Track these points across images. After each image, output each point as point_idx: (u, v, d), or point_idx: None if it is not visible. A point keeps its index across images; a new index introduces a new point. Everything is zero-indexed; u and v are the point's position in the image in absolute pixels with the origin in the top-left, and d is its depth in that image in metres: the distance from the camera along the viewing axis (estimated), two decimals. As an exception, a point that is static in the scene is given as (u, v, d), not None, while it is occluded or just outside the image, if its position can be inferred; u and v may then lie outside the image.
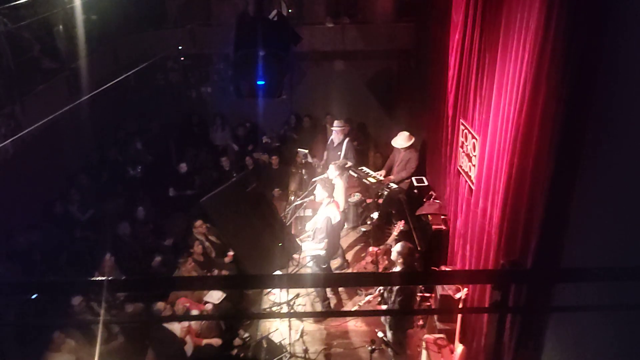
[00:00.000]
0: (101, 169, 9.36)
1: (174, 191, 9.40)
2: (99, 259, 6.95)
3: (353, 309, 6.84)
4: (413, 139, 8.24)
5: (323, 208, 6.75)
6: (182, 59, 10.54)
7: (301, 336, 6.54)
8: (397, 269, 5.66)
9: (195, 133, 11.16)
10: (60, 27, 7.35)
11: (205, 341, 6.39)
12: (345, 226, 8.58)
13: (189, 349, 6.17)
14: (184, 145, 10.57)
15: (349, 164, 8.55)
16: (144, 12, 9.92)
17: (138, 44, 9.85)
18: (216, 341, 6.43)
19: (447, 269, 6.16)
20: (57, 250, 7.33)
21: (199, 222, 7.69)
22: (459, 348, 5.60)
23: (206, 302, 6.79)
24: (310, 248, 6.66)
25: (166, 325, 6.15)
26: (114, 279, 4.72)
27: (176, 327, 6.16)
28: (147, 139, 10.51)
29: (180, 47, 10.11)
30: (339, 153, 8.74)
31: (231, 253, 7.59)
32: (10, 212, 6.97)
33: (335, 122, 8.90)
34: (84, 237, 7.80)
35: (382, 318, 5.90)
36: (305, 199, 7.74)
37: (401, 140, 8.23)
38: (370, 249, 7.60)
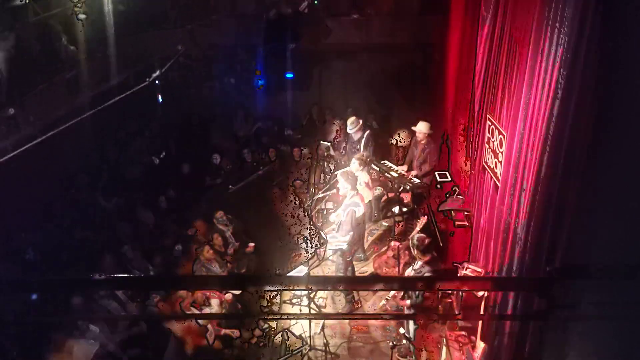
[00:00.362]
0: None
1: (209, 180, 9.41)
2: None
3: (381, 304, 6.72)
4: (432, 131, 8.18)
5: (347, 200, 6.72)
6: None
7: (322, 329, 6.53)
8: (419, 264, 5.62)
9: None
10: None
11: (224, 331, 6.45)
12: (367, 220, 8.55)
13: (210, 336, 6.23)
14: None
15: (371, 156, 8.50)
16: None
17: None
18: (235, 332, 6.48)
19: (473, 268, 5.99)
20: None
21: (219, 213, 7.75)
22: (481, 346, 5.55)
23: (227, 292, 6.84)
24: (336, 241, 6.65)
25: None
26: (119, 276, 4.78)
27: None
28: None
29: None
30: (358, 147, 8.68)
31: (252, 244, 7.63)
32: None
33: (349, 125, 8.64)
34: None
35: (405, 311, 5.85)
36: (327, 192, 7.72)
37: (421, 126, 8.16)
38: (392, 243, 7.57)
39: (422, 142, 8.21)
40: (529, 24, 4.87)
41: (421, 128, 8.14)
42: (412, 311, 5.64)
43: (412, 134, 8.48)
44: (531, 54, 4.77)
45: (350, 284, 4.53)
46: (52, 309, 5.64)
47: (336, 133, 10.25)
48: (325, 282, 3.02)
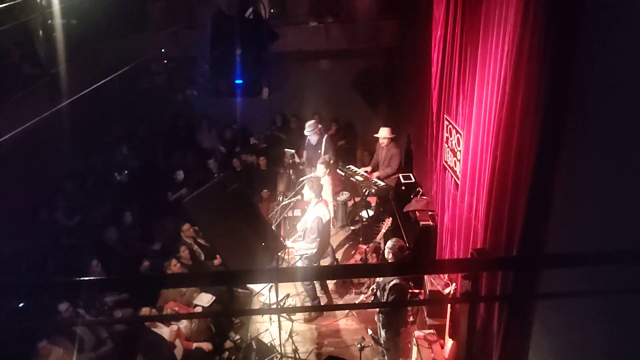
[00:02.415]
0: (87, 175, 9.27)
1: (172, 195, 9.28)
2: (86, 266, 6.88)
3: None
4: (393, 135, 8.39)
5: (312, 208, 6.71)
6: (165, 62, 10.47)
7: (290, 336, 6.49)
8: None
9: (182, 136, 11.12)
10: (40, 32, 7.24)
11: (195, 345, 6.35)
12: (334, 225, 8.58)
13: (178, 352, 6.12)
14: (170, 148, 10.51)
15: (334, 159, 8.59)
16: (125, 15, 9.80)
17: (120, 47, 9.76)
18: (206, 345, 6.39)
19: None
20: (43, 258, 7.24)
21: (186, 226, 7.64)
22: (449, 343, 5.61)
23: (196, 306, 6.75)
24: (302, 248, 6.64)
25: (155, 329, 6.09)
26: (102, 278, 4.67)
27: (165, 331, 6.11)
28: (134, 143, 10.45)
29: (163, 50, 10.04)
30: (319, 151, 8.73)
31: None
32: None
33: (307, 127, 8.80)
34: (70, 244, 7.72)
35: (375, 317, 5.88)
36: (293, 199, 7.73)
37: (383, 132, 8.37)
38: (360, 246, 7.59)
39: (385, 146, 8.35)
40: (477, 24, 4.99)
41: (383, 133, 8.31)
42: (381, 316, 5.65)
43: (376, 138, 8.59)
44: (480, 53, 4.89)
45: (319, 274, 4.55)
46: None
47: (303, 139, 10.30)
48: (294, 274, 3.00)
